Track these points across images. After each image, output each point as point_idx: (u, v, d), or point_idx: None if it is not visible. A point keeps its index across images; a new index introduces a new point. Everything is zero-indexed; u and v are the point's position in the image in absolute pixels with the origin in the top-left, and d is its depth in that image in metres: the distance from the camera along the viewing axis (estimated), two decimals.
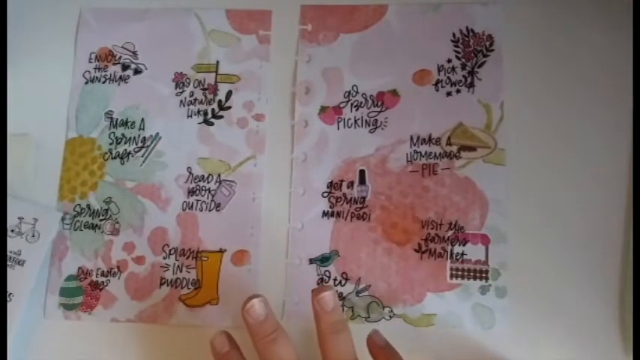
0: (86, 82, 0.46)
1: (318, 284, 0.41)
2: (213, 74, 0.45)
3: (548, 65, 0.43)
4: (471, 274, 0.41)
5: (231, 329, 0.39)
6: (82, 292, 0.42)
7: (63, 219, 0.43)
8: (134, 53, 0.46)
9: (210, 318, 0.41)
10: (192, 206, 0.43)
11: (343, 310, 0.41)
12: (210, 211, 0.43)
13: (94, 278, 0.42)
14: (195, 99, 0.45)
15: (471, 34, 0.44)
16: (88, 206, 0.44)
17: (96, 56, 0.46)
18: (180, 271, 0.42)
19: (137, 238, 0.43)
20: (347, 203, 0.42)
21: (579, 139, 0.42)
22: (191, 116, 0.44)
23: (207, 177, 0.43)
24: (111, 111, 0.45)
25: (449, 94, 0.43)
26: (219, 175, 0.43)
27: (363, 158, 0.43)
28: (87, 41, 0.46)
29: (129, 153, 0.44)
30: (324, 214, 0.42)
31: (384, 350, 0.36)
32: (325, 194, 0.43)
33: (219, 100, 0.45)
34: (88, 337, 0.42)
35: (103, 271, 0.42)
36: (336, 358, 0.34)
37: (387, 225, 0.42)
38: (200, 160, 0.44)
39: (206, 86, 0.45)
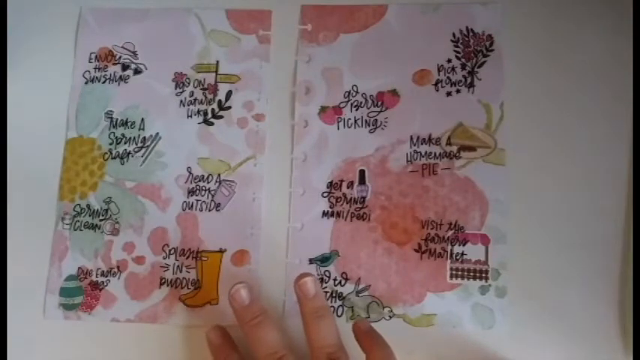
0: (86, 82, 0.46)
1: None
2: (213, 74, 0.45)
3: (548, 65, 0.43)
4: (471, 274, 0.41)
5: (230, 329, 0.39)
6: (82, 292, 0.42)
7: (63, 219, 0.43)
8: (134, 53, 0.46)
9: (210, 318, 0.41)
10: (192, 206, 0.43)
11: (343, 310, 0.41)
12: (210, 211, 0.43)
13: (93, 278, 0.42)
14: (195, 99, 0.45)
15: (470, 34, 0.44)
16: (88, 206, 0.44)
17: (96, 56, 0.46)
18: (180, 271, 0.42)
19: (137, 238, 0.43)
20: (347, 203, 0.42)
21: (579, 139, 0.42)
22: (191, 116, 0.44)
23: (207, 177, 0.43)
24: (111, 111, 0.45)
25: (449, 94, 0.43)
26: (219, 175, 0.43)
27: (363, 158, 0.43)
28: (87, 41, 0.46)
29: (129, 153, 0.44)
30: (324, 214, 0.42)
31: (367, 334, 0.36)
32: (325, 194, 0.43)
33: (219, 100, 0.45)
34: (88, 337, 0.42)
35: (103, 271, 0.42)
36: (320, 342, 0.35)
37: (387, 225, 0.42)
38: (200, 160, 0.44)
39: (206, 86, 0.45)
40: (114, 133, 0.45)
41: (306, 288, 0.36)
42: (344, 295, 0.41)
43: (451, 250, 0.41)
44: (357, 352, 0.36)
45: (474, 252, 0.41)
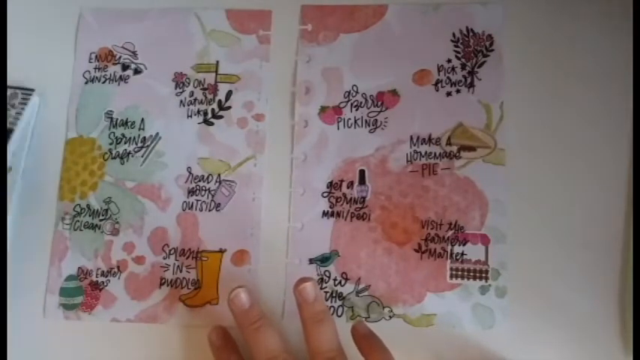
0: (86, 82, 0.46)
1: (318, 284, 0.41)
2: (213, 74, 0.45)
3: (548, 65, 0.43)
4: (471, 274, 0.41)
5: (231, 330, 0.39)
6: (82, 292, 0.42)
7: (63, 219, 0.43)
8: (134, 53, 0.46)
9: (210, 318, 0.41)
10: (192, 206, 0.43)
11: (343, 310, 0.41)
12: (210, 211, 0.43)
13: (93, 278, 0.42)
14: (195, 99, 0.45)
15: (470, 34, 0.44)
16: (88, 206, 0.44)
17: (96, 56, 0.46)
18: (180, 271, 0.42)
19: (137, 238, 0.43)
20: (347, 203, 0.42)
21: (579, 139, 0.42)
22: (191, 116, 0.44)
23: (207, 177, 0.43)
24: (111, 111, 0.45)
25: (449, 94, 0.43)
26: (219, 175, 0.43)
27: (363, 158, 0.43)
28: (87, 41, 0.46)
29: (129, 153, 0.44)
30: (324, 214, 0.42)
31: (366, 339, 0.36)
32: (325, 194, 0.43)
33: (219, 100, 0.45)
34: (88, 337, 0.42)
35: (103, 271, 0.42)
36: (319, 347, 0.35)
37: (387, 225, 0.42)
38: (200, 160, 0.44)
39: (206, 86, 0.45)
40: (114, 133, 0.45)
41: (306, 293, 0.36)
42: (344, 295, 0.41)
43: (451, 250, 0.41)
44: (358, 355, 0.36)
45: (474, 252, 0.41)
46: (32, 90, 0.44)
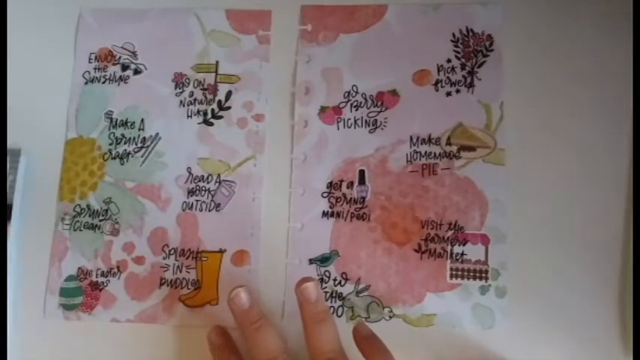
0: (86, 83, 0.46)
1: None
2: (213, 74, 0.45)
3: (548, 65, 0.43)
4: (471, 274, 0.40)
5: (231, 330, 0.39)
6: (82, 293, 0.42)
7: (63, 219, 0.43)
8: (134, 53, 0.46)
9: (210, 318, 0.41)
10: (192, 206, 0.43)
11: (343, 310, 0.41)
12: (210, 211, 0.43)
13: (93, 278, 0.42)
14: (195, 99, 0.45)
15: (470, 34, 0.44)
16: (88, 206, 0.44)
17: (95, 56, 0.46)
18: (180, 272, 0.42)
19: (137, 239, 0.43)
20: (347, 203, 0.42)
21: (579, 139, 0.42)
22: (191, 116, 0.44)
23: (207, 177, 0.43)
24: (111, 111, 0.45)
25: (448, 94, 0.43)
26: (219, 175, 0.43)
27: (362, 158, 0.43)
28: (87, 41, 0.46)
29: (129, 153, 0.44)
30: (324, 214, 0.42)
31: (368, 340, 0.36)
32: (325, 194, 0.43)
33: (219, 101, 0.45)
34: (88, 337, 0.42)
35: (103, 272, 0.42)
36: (320, 346, 0.35)
37: (386, 225, 0.42)
38: (200, 160, 0.44)
39: (206, 86, 0.45)
40: (114, 133, 0.45)
41: (308, 292, 0.36)
42: (344, 295, 0.41)
43: (451, 250, 0.41)
44: (359, 356, 0.36)
45: (473, 252, 0.41)
46: (19, 150, 0.44)
